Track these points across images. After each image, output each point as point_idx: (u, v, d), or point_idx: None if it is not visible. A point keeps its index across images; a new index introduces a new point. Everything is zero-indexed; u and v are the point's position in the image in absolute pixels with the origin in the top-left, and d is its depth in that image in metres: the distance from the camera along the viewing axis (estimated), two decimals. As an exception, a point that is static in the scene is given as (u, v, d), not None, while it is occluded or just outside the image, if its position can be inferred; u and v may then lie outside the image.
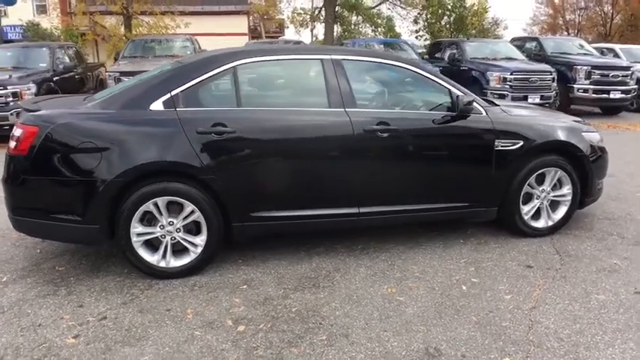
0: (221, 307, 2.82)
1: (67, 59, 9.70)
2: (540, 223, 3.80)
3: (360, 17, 18.31)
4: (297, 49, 3.43)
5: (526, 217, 3.73)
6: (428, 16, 18.14)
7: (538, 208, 3.78)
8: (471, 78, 10.58)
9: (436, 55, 12.35)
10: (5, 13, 20.22)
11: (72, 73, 9.62)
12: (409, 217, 3.49)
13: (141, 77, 3.34)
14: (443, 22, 17.98)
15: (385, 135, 3.23)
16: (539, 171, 3.67)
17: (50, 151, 2.93)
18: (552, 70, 10.04)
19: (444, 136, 3.43)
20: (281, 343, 2.48)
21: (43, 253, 3.62)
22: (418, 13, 18.49)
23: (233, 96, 3.16)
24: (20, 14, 18.90)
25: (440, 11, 17.64)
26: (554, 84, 10.03)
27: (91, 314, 2.78)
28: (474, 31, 17.56)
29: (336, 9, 17.11)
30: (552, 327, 2.60)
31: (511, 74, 9.78)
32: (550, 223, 3.82)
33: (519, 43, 12.49)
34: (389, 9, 18.83)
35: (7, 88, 7.50)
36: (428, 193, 3.46)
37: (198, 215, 3.08)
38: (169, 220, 3.08)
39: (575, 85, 10.36)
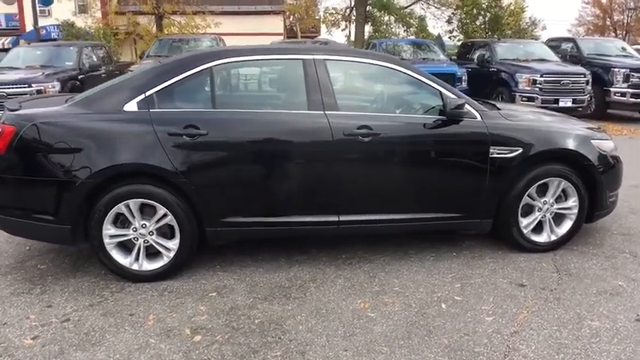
0: (184, 315, 2.74)
1: (94, 58, 9.97)
2: (542, 238, 3.52)
3: (392, 17, 17.97)
4: (278, 49, 3.30)
5: (525, 231, 3.46)
6: (462, 16, 17.58)
7: (540, 221, 3.51)
8: (500, 80, 10.18)
9: (467, 57, 11.94)
10: (49, 13, 21.19)
11: (99, 72, 9.88)
12: (394, 227, 3.30)
13: (121, 77, 3.31)
14: (478, 23, 17.36)
15: (367, 140, 3.06)
16: (541, 181, 3.39)
17: (25, 150, 2.93)
18: (586, 72, 9.48)
19: (432, 142, 3.22)
20: (233, 357, 2.36)
21: (31, 251, 3.66)
22: (452, 13, 17.97)
23: (208, 97, 3.08)
24: (58, 14, 19.63)
25: (474, 11, 17.05)
26: (589, 87, 9.47)
27: (55, 315, 2.76)
28: (509, 32, 16.88)
29: (367, 9, 16.86)
30: (531, 356, 2.37)
31: (541, 76, 9.31)
32: (553, 238, 3.53)
33: (555, 44, 11.89)
34: (422, 9, 18.41)
35: (31, 86, 7.77)
36: (415, 202, 3.26)
37: (170, 219, 3.02)
38: (142, 222, 3.02)
39: (612, 89, 9.75)
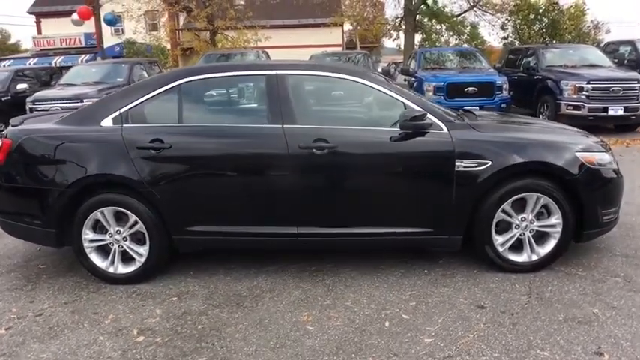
0: (139, 316, 2.92)
1: (144, 74, 10.73)
2: (522, 257, 3.33)
3: (442, 25, 17.58)
4: (243, 66, 3.43)
5: (501, 249, 3.29)
6: (517, 22, 16.77)
7: (520, 239, 3.32)
8: (545, 88, 9.63)
9: (516, 64, 11.40)
10: (123, 32, 23.02)
11: (148, 86, 10.60)
12: (355, 241, 3.28)
13: (105, 96, 3.60)
14: (535, 28, 16.46)
15: (322, 152, 3.09)
16: (516, 196, 3.22)
17: (17, 162, 3.30)
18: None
19: (392, 155, 3.17)
20: (164, 358, 2.50)
21: (41, 252, 4.04)
22: (506, 19, 17.19)
23: (175, 113, 3.27)
24: (131, 33, 21.22)
25: (531, 16, 16.19)
26: (644, 94, 8.68)
27: (33, 310, 3.06)
28: (569, 37, 15.84)
29: (417, 18, 16.65)
30: (454, 381, 2.27)
31: (588, 83, 8.68)
32: (534, 258, 3.32)
33: (613, 47, 11.05)
34: (477, 16, 17.82)
35: (83, 101, 8.54)
36: (376, 216, 3.22)
37: (140, 226, 3.23)
38: (117, 229, 3.27)
39: (673, 96, 8.85)
